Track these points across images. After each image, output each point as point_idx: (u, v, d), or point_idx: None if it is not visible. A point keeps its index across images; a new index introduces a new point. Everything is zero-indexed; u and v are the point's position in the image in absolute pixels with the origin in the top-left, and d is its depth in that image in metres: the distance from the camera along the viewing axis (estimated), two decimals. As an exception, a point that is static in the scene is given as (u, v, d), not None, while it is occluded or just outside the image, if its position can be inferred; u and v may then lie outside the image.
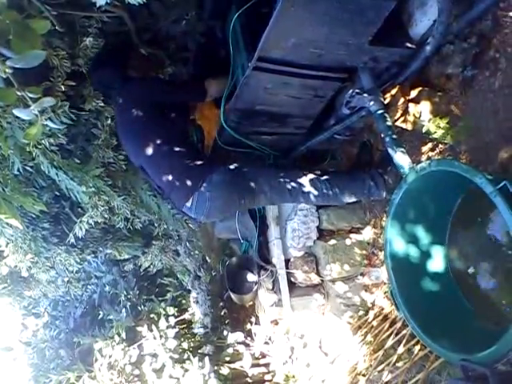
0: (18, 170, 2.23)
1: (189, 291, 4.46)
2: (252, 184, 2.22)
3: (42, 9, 1.71)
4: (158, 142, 2.16)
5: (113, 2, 1.45)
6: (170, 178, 2.18)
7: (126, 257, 4.12)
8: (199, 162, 2.18)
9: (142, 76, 2.33)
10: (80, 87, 2.20)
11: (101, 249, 3.46)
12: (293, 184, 2.27)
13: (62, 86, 2.05)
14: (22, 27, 1.01)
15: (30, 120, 1.27)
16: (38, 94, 1.15)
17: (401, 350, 2.24)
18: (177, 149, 2.18)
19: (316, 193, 2.29)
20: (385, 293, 2.62)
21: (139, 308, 4.44)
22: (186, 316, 4.43)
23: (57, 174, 2.35)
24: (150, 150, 2.16)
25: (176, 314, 4.42)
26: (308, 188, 2.28)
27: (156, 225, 3.52)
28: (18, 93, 1.11)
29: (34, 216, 2.72)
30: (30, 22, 1.05)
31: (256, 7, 1.87)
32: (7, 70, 1.02)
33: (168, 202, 2.38)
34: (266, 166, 2.47)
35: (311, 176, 2.30)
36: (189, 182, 2.15)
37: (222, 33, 2.28)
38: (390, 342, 2.35)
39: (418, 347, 2.14)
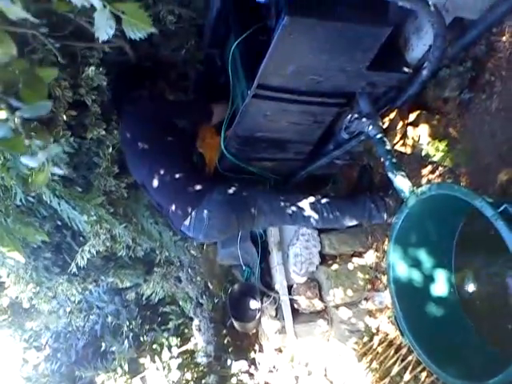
0: (21, 201, 2.24)
1: (191, 319, 4.41)
2: (252, 204, 2.22)
3: (45, 42, 1.75)
4: (161, 160, 2.18)
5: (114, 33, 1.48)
6: (170, 195, 2.19)
7: (128, 285, 4.10)
8: (200, 182, 2.20)
9: (151, 95, 2.36)
10: (82, 116, 2.22)
11: (103, 277, 3.45)
12: (293, 206, 2.27)
13: (64, 116, 2.07)
14: (31, 76, 1.04)
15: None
16: (45, 142, 1.17)
17: (407, 376, 2.21)
18: (179, 168, 2.19)
19: (316, 216, 2.29)
20: (389, 318, 2.59)
21: (142, 339, 4.39)
22: (190, 346, 4.36)
23: (59, 204, 2.36)
24: (152, 168, 2.18)
25: (179, 344, 4.36)
26: (308, 211, 2.28)
27: (157, 252, 3.51)
28: (27, 141, 1.14)
29: (35, 246, 2.71)
30: (38, 71, 1.08)
31: (254, 35, 1.91)
32: (16, 120, 1.05)
33: (167, 219, 2.38)
34: (267, 189, 2.48)
35: (311, 199, 2.30)
36: (188, 200, 2.15)
37: (222, 61, 2.32)
38: (396, 369, 2.31)
39: (424, 374, 2.11)
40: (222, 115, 2.31)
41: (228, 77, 2.10)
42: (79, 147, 2.23)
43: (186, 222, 2.17)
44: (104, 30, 1.07)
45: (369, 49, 1.70)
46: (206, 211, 2.14)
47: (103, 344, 4.53)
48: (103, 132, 2.29)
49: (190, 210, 2.15)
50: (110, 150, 2.40)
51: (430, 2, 1.41)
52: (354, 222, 2.40)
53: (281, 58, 1.68)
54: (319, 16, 1.52)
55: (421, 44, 1.79)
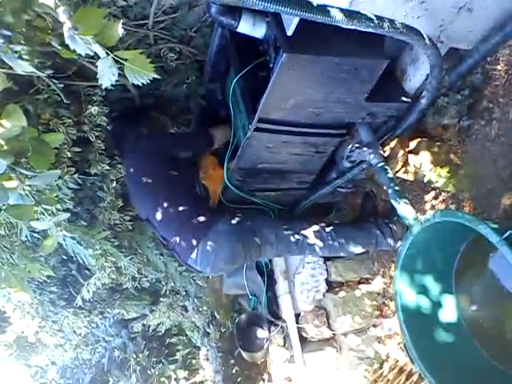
0: (26, 237, 2.25)
1: (198, 348, 4.36)
2: (257, 234, 2.22)
3: (50, 83, 1.79)
4: (165, 194, 2.19)
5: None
6: (175, 228, 2.19)
7: (134, 315, 4.07)
8: (204, 214, 2.20)
9: (151, 131, 2.40)
10: (85, 152, 2.24)
11: (108, 310, 3.43)
12: (298, 235, 2.27)
13: (69, 153, 2.09)
14: (39, 143, 1.08)
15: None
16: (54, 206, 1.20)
17: (420, 404, 2.18)
18: (182, 201, 2.20)
19: (321, 244, 2.29)
20: (399, 344, 2.56)
21: (149, 372, 4.32)
22: (198, 378, 4.30)
23: (64, 239, 2.37)
24: (156, 202, 2.19)
25: (186, 376, 4.30)
26: (313, 239, 2.27)
27: (163, 282, 3.49)
28: (36, 208, 1.16)
29: (41, 280, 2.71)
30: (45, 136, 1.12)
31: (254, 70, 1.95)
32: (26, 188, 1.07)
33: (173, 253, 2.38)
34: (271, 218, 2.48)
35: (316, 227, 2.30)
36: (193, 233, 2.15)
37: (223, 95, 2.36)
38: (408, 397, 2.28)
39: (437, 401, 2.07)
40: (223, 138, 2.34)
41: (229, 110, 2.13)
42: (83, 182, 2.25)
43: (193, 256, 2.16)
44: (107, 77, 1.09)
45: (367, 81, 1.73)
46: (211, 243, 2.13)
47: (110, 379, 4.46)
48: (107, 167, 2.31)
49: (195, 242, 2.14)
50: (114, 184, 2.42)
51: (424, 35, 1.44)
52: (361, 250, 2.39)
53: (281, 93, 1.71)
54: (316, 52, 1.56)
55: (418, 74, 1.83)
